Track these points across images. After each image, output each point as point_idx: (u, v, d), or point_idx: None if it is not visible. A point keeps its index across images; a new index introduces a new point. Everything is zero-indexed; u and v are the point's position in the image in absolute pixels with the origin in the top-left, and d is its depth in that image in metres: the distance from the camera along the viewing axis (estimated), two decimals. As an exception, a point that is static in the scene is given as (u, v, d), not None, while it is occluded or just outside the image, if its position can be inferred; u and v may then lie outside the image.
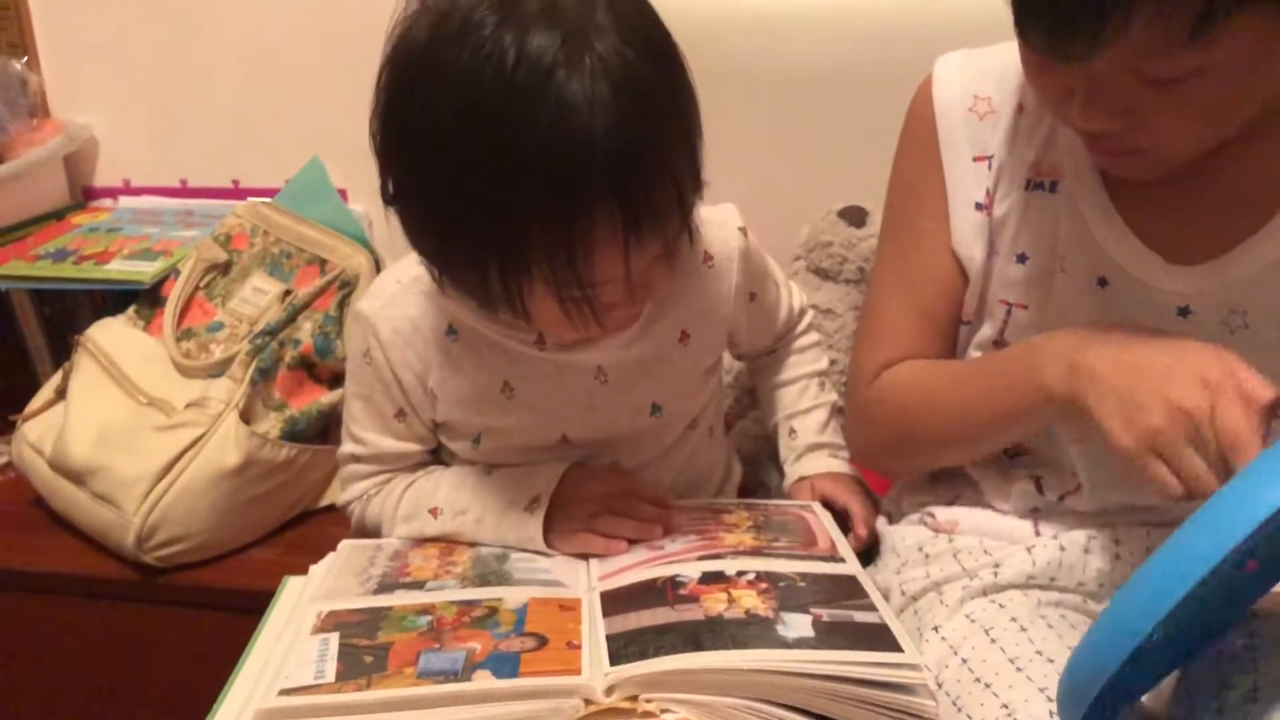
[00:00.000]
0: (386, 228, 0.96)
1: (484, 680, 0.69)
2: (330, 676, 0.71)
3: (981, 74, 0.88)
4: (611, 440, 0.94)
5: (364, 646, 0.74)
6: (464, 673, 0.70)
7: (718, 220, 0.95)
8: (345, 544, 0.92)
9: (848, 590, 0.80)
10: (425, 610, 0.78)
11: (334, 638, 0.75)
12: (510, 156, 0.70)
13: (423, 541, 0.92)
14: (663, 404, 0.94)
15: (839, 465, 1.02)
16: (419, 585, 0.83)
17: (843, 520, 0.96)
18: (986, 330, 0.89)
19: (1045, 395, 0.76)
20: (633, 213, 0.72)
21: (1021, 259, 0.87)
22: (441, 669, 0.71)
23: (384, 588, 0.83)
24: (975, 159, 0.87)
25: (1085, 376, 0.73)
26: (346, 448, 0.97)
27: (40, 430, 1.25)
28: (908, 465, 0.98)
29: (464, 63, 0.70)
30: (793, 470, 1.04)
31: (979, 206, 0.87)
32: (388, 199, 0.79)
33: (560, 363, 0.90)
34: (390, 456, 0.95)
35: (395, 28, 0.76)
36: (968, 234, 0.88)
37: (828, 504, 0.98)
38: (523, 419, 0.91)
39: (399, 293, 0.91)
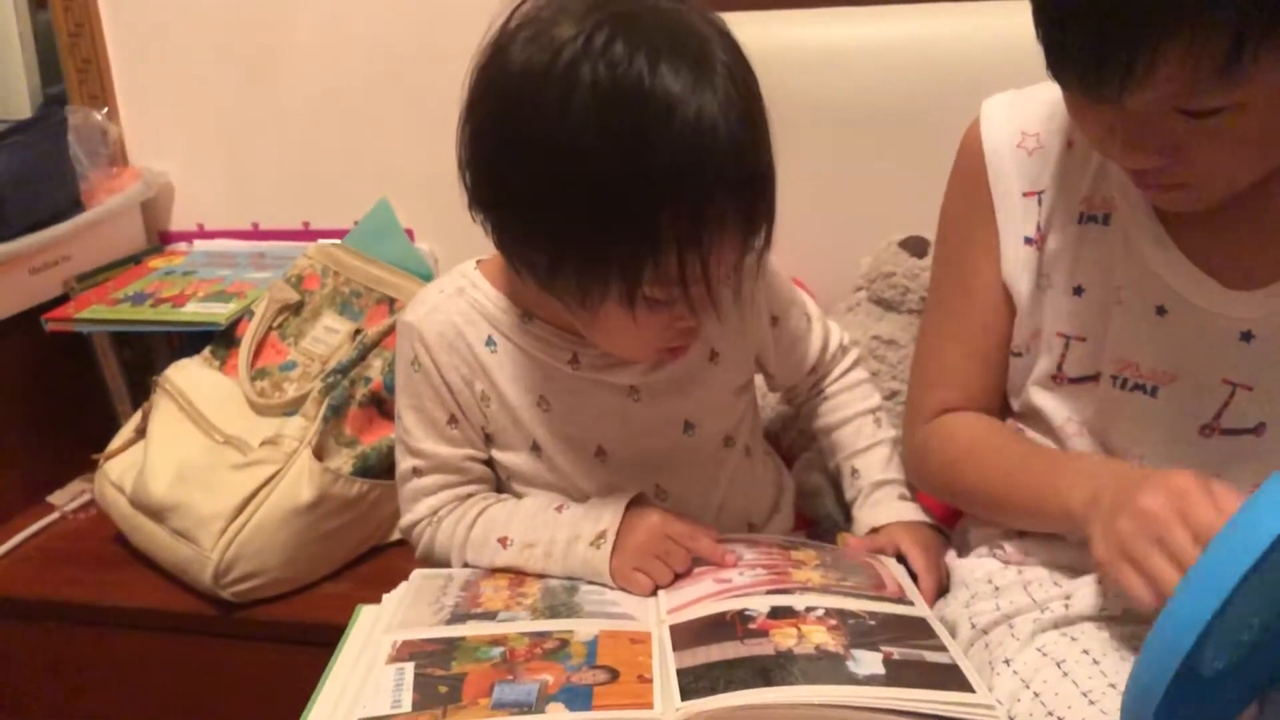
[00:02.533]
0: (452, 265, 0.98)
1: (558, 713, 0.70)
2: (407, 706, 0.72)
3: (1029, 111, 0.89)
4: (648, 455, 0.95)
5: (439, 676, 0.75)
6: (538, 704, 0.71)
7: None
8: (417, 573, 0.93)
9: (918, 631, 0.79)
10: (497, 641, 0.79)
11: (409, 667, 0.76)
12: (652, 153, 0.75)
13: (493, 571, 0.92)
14: (695, 422, 0.96)
15: (910, 511, 1.00)
16: (491, 616, 0.83)
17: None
18: (1044, 364, 0.90)
19: (1066, 514, 0.80)
20: (753, 206, 0.80)
21: (1078, 291, 0.87)
22: (516, 700, 0.71)
23: (456, 618, 0.83)
24: (1025, 194, 0.88)
25: (1095, 509, 0.76)
26: (405, 464, 0.96)
27: (121, 469, 1.29)
28: (953, 504, 1.00)
29: (601, 75, 0.75)
30: (864, 516, 1.01)
31: (1028, 241, 0.88)
32: (486, 206, 0.83)
33: (594, 381, 0.92)
34: (450, 465, 0.95)
35: (486, 55, 0.81)
36: (1016, 267, 0.89)
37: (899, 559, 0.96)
38: (560, 430, 0.94)
39: (442, 300, 0.93)
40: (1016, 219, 0.89)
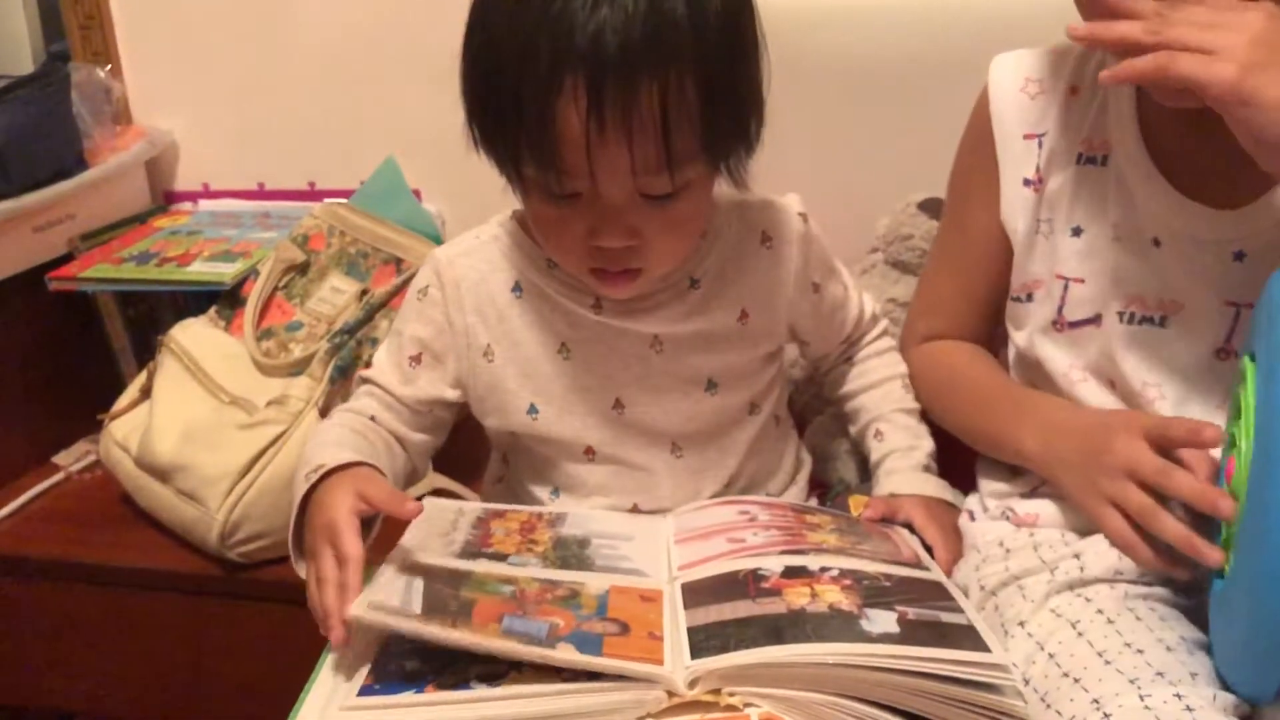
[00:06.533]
0: (460, 226, 0.98)
1: (568, 653, 0.68)
2: (416, 609, 0.71)
3: (1034, 60, 0.94)
4: (668, 412, 0.95)
5: (449, 595, 0.74)
6: (548, 641, 0.69)
7: (779, 205, 0.98)
8: (429, 501, 0.91)
9: (933, 593, 0.78)
10: (508, 581, 0.77)
11: (419, 580, 0.75)
12: (519, 19, 0.76)
13: (503, 512, 0.92)
14: (719, 382, 0.95)
15: (931, 486, 0.99)
16: (501, 558, 0.82)
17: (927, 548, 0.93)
18: (1045, 310, 0.92)
19: (1023, 458, 0.90)
20: (600, 102, 0.75)
21: (1076, 233, 0.90)
22: (526, 632, 0.70)
23: (467, 554, 0.82)
24: (1025, 136, 0.93)
25: (1050, 454, 0.86)
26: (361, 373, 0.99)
27: (126, 429, 1.28)
28: (943, 427, 1.04)
29: None
30: (884, 482, 1.00)
31: (1026, 182, 0.93)
32: (461, 85, 0.85)
33: (616, 329, 0.93)
34: (385, 383, 0.95)
35: None
36: (1014, 208, 0.93)
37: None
38: (579, 381, 0.94)
39: (476, 246, 0.95)
40: (1017, 160, 0.93)
